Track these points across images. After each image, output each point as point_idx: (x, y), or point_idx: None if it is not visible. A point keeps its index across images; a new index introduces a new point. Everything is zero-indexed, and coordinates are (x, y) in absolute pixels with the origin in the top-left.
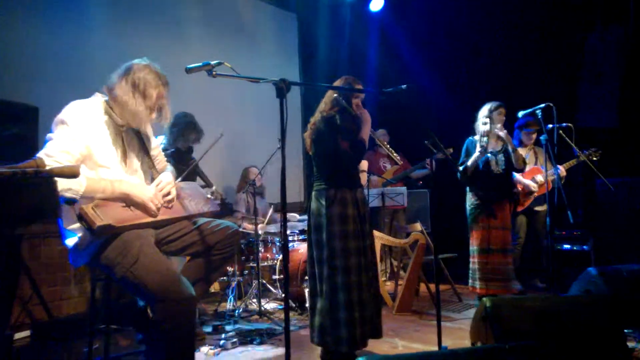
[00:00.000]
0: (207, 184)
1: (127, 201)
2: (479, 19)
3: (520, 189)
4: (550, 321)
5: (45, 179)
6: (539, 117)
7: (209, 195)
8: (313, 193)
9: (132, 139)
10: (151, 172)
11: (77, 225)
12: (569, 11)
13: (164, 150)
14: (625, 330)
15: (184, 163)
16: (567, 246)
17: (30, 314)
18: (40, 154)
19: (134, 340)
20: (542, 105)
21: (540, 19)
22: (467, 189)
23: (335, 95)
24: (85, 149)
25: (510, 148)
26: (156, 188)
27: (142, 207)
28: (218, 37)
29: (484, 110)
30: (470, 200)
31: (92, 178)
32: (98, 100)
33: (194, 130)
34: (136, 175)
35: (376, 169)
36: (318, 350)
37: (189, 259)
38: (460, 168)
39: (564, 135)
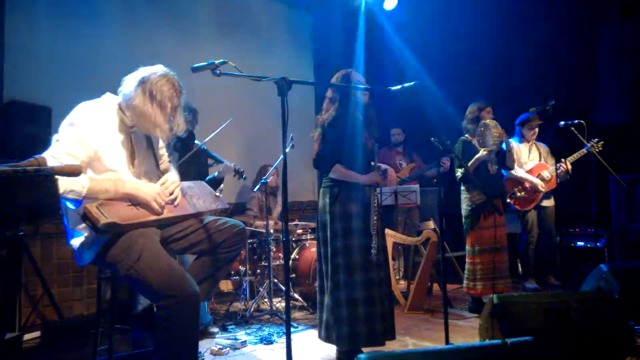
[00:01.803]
0: (218, 161)
1: (132, 201)
2: (494, 15)
3: (527, 185)
4: (558, 317)
5: (46, 177)
6: (549, 113)
7: (217, 194)
8: (321, 190)
9: (141, 140)
10: (157, 172)
11: (82, 225)
12: (584, 4)
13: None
14: (637, 327)
15: (190, 149)
16: (580, 243)
17: (41, 314)
18: (45, 155)
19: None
20: (553, 101)
21: (555, 13)
22: (463, 189)
23: (335, 93)
24: (92, 152)
25: (506, 148)
26: (161, 187)
27: (146, 206)
28: (231, 37)
29: (473, 110)
30: (468, 200)
31: (95, 178)
32: (108, 101)
33: (185, 110)
34: (143, 176)
35: (392, 167)
36: (328, 348)
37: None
38: (460, 169)
39: (575, 132)
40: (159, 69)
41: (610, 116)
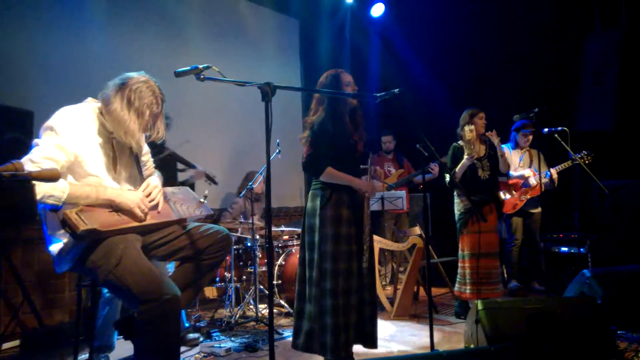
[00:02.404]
0: (190, 166)
1: (114, 207)
2: (478, 24)
3: (515, 182)
4: (542, 322)
5: (22, 182)
6: (533, 120)
7: (201, 199)
8: (310, 192)
9: (123, 147)
10: (140, 179)
11: (61, 231)
12: (568, 13)
13: None
14: (619, 332)
15: (161, 153)
16: (564, 249)
17: (21, 322)
18: (24, 159)
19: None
20: (536, 109)
21: (538, 22)
22: (455, 194)
23: (320, 97)
24: (72, 156)
25: (499, 153)
26: (142, 192)
27: (129, 212)
28: (219, 41)
29: (465, 117)
30: (459, 205)
31: (76, 184)
32: (90, 107)
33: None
34: (125, 182)
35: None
36: (313, 355)
37: (178, 264)
38: (448, 174)
39: (559, 139)
40: (141, 76)
41: (593, 123)
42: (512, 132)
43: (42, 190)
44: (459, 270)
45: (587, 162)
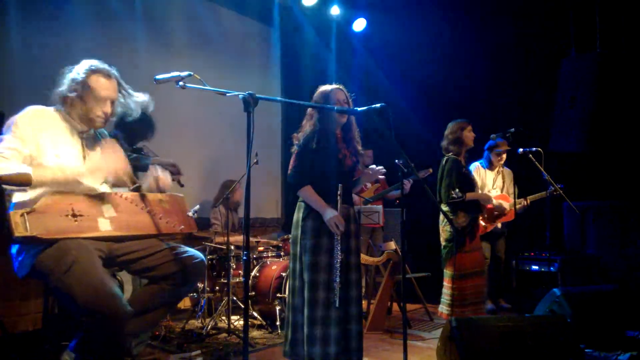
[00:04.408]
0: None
1: (74, 211)
2: (458, 43)
3: (489, 207)
4: (514, 340)
5: None
6: (510, 140)
7: (190, 214)
8: (297, 205)
9: (94, 144)
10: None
11: None
12: (545, 38)
13: None
14: (587, 350)
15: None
16: (535, 267)
17: None
18: None
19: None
20: (512, 129)
21: (516, 44)
22: (445, 210)
23: (313, 112)
24: (34, 148)
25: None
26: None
27: (88, 219)
28: (200, 50)
29: (454, 130)
30: (455, 223)
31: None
32: (53, 111)
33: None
34: (91, 179)
35: None
36: None
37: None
38: (455, 193)
39: (533, 159)
40: (93, 62)
41: (567, 145)
42: (486, 151)
43: (4, 169)
44: (447, 292)
45: (555, 193)
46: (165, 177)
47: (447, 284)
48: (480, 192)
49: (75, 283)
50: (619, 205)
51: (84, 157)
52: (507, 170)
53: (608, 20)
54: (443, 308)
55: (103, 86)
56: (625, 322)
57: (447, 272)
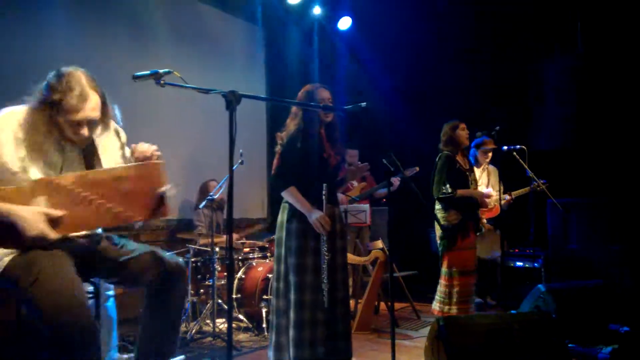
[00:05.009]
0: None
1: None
2: (441, 43)
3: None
4: (500, 338)
5: None
6: (495, 138)
7: (163, 191)
8: (281, 205)
9: (72, 152)
10: None
11: None
12: (529, 37)
13: None
14: (570, 345)
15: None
16: (519, 263)
17: None
18: None
19: None
20: (498, 127)
21: (501, 44)
22: (438, 208)
23: (297, 110)
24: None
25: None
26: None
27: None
28: (183, 47)
29: (446, 132)
30: (444, 220)
31: None
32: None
33: None
34: None
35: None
36: None
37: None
38: (444, 186)
39: (517, 157)
40: (75, 69)
41: (550, 142)
42: (472, 149)
43: None
44: (444, 289)
45: (538, 188)
46: (141, 145)
47: (440, 281)
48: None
49: (43, 294)
50: (601, 202)
51: (58, 166)
52: (492, 168)
53: (589, 21)
54: (435, 305)
55: (79, 96)
56: (608, 317)
57: (442, 269)
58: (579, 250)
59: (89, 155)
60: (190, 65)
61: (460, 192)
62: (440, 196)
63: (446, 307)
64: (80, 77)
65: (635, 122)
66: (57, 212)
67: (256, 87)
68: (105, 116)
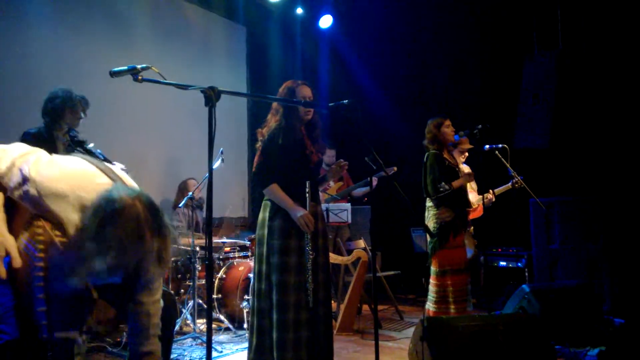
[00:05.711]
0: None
1: None
2: (425, 40)
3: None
4: (485, 339)
5: None
6: (477, 137)
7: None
8: (262, 203)
9: None
10: None
11: None
12: (508, 35)
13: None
14: (557, 347)
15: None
16: (503, 263)
17: None
18: None
19: None
20: (480, 126)
21: (482, 42)
22: (429, 205)
23: (278, 107)
24: None
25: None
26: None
27: None
28: (165, 44)
29: (430, 129)
30: (435, 218)
31: None
32: None
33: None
34: None
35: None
36: None
37: None
38: (442, 186)
39: (499, 156)
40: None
41: (531, 141)
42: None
43: None
44: (436, 289)
45: (517, 185)
46: None
47: (431, 281)
48: None
49: None
50: (583, 200)
51: None
52: (465, 167)
53: (569, 19)
54: (429, 305)
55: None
56: (592, 317)
57: (432, 269)
58: (560, 249)
59: None
60: (172, 62)
61: (454, 184)
62: (439, 195)
63: (443, 307)
64: None
65: (616, 120)
66: None
67: (237, 85)
68: None
